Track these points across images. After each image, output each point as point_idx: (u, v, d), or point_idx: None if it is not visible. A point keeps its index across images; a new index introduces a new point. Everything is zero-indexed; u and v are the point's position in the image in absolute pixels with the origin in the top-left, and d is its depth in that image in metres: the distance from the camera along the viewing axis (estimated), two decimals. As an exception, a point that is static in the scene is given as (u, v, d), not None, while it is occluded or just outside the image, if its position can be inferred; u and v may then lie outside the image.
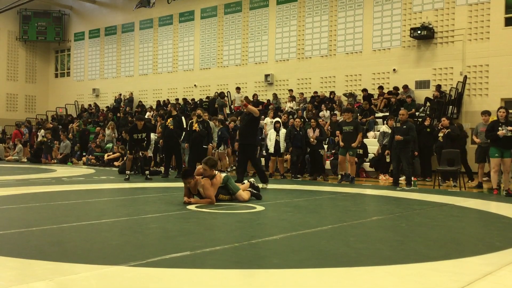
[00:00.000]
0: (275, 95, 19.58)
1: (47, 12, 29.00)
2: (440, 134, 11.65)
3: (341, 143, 11.34)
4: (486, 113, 10.67)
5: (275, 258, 3.70)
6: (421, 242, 4.46)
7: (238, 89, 20.50)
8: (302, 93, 18.99)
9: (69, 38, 29.26)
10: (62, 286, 2.90)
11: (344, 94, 17.72)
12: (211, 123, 13.27)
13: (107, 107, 25.27)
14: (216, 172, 7.08)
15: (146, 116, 18.56)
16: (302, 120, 14.40)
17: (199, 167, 7.10)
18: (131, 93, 24.92)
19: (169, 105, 16.81)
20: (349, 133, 11.24)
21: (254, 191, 7.55)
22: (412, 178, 10.59)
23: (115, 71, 26.93)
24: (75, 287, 2.90)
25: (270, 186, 10.34)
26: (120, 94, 25.37)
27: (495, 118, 9.85)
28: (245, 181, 7.91)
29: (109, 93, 26.80)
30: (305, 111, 16.73)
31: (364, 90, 17.18)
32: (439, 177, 11.29)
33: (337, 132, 12.09)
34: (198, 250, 3.85)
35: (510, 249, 4.21)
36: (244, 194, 7.23)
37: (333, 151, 13.98)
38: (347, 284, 3.08)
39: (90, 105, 26.41)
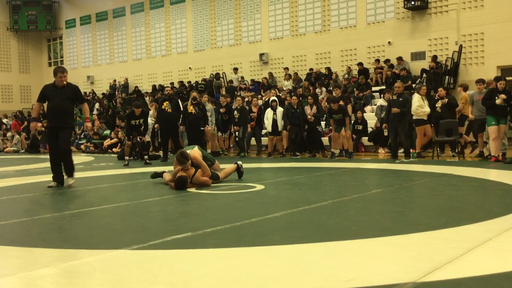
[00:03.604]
0: (270, 74, 19.49)
1: (36, 0, 28.64)
2: (438, 105, 11.61)
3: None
4: (481, 81, 10.66)
5: (276, 235, 3.72)
6: (421, 212, 4.49)
7: (235, 69, 20.35)
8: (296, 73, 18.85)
9: (61, 26, 28.96)
10: (66, 272, 2.92)
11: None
12: (209, 105, 13.22)
13: (103, 94, 25.15)
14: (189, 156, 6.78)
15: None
16: (301, 98, 14.34)
17: (178, 168, 6.70)
18: (126, 79, 24.76)
19: (166, 88, 16.70)
20: (340, 120, 11.51)
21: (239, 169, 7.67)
22: (411, 150, 10.64)
23: (109, 57, 26.73)
24: (79, 272, 2.92)
25: (270, 164, 10.36)
26: (115, 80, 25.22)
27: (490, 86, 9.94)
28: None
29: (104, 79, 26.65)
30: (301, 89, 16.66)
31: (360, 64, 17.09)
32: (438, 148, 11.32)
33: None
34: (199, 230, 3.88)
35: (509, 215, 4.24)
36: (218, 164, 7.73)
37: (331, 127, 13.96)
38: (348, 256, 3.11)
39: (85, 92, 26.27)
